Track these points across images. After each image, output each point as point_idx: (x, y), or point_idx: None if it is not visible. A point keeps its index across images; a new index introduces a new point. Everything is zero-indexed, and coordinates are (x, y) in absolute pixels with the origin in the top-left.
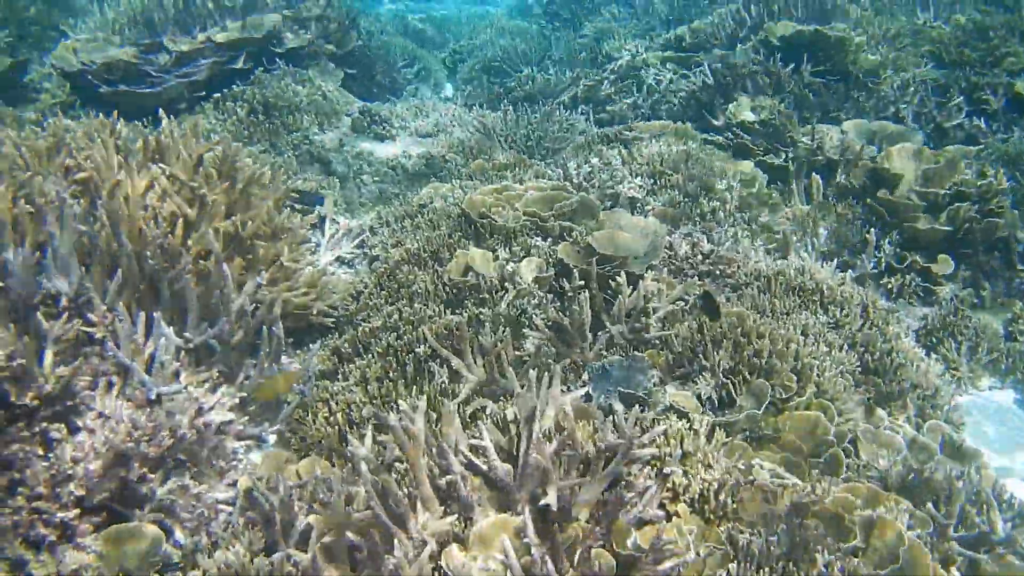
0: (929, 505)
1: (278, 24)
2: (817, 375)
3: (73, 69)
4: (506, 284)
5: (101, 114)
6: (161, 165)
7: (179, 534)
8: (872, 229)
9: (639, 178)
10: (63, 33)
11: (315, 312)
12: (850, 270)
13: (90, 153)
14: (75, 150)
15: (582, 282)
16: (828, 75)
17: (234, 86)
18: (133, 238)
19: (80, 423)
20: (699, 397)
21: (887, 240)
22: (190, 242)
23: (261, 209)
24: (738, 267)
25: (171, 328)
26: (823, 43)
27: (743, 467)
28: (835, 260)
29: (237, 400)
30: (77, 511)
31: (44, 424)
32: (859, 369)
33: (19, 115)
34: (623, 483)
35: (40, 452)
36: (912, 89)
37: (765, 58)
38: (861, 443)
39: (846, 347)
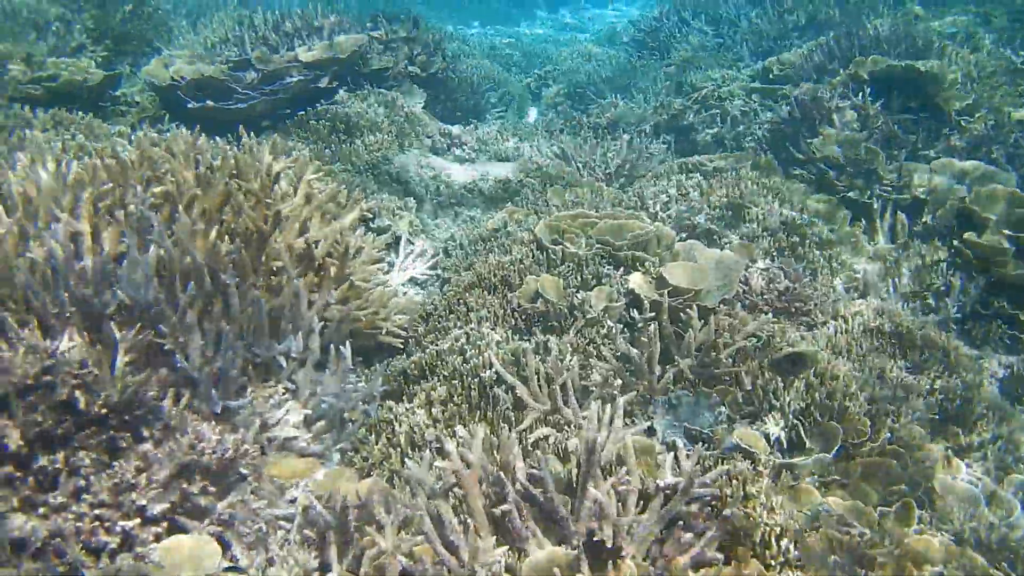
0: (1005, 565)
1: (364, 45)
2: (892, 421)
3: (164, 84)
4: (575, 312)
5: (186, 128)
6: (238, 181)
7: (237, 549)
8: (957, 272)
9: (717, 210)
10: (157, 49)
11: (384, 332)
12: (933, 314)
13: (170, 167)
14: (157, 164)
15: (652, 313)
16: (919, 112)
17: (318, 104)
18: (207, 252)
19: (146, 433)
20: (767, 437)
21: (973, 284)
22: (263, 257)
23: (334, 227)
24: (815, 305)
25: (240, 342)
26: (914, 79)
27: (809, 512)
28: (918, 302)
29: (302, 417)
30: (138, 520)
31: (111, 432)
32: (937, 417)
33: (110, 128)
34: (681, 523)
35: (106, 460)
36: (1007, 129)
37: (853, 92)
38: (936, 494)
39: (924, 393)
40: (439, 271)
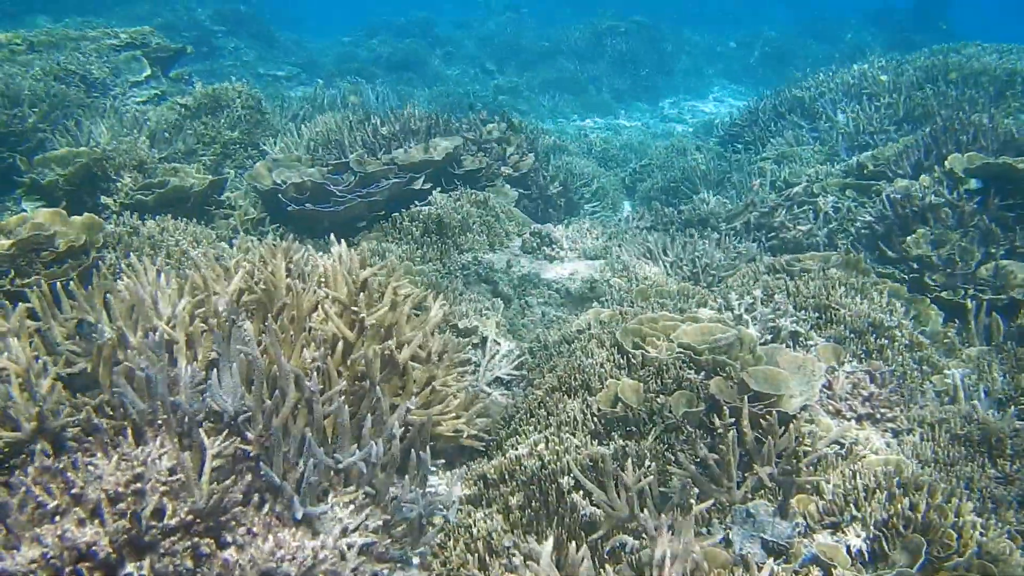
0: None
1: (458, 147)
2: (980, 534)
3: (266, 187)
4: (655, 417)
5: (285, 231)
6: (325, 289)
7: None
8: None
9: (803, 311)
10: (263, 152)
11: (465, 436)
12: None
13: (262, 276)
14: (250, 272)
15: (732, 419)
16: (1018, 209)
17: (412, 205)
18: (294, 359)
19: (229, 539)
20: (848, 549)
21: None
22: (349, 362)
23: (418, 332)
24: (900, 411)
25: (322, 449)
26: (1012, 176)
27: None
28: (1012, 408)
29: (381, 522)
30: None
31: (196, 539)
32: None
33: (212, 232)
34: None
35: (190, 566)
36: None
37: (948, 190)
38: None
39: (1016, 506)
40: (524, 371)
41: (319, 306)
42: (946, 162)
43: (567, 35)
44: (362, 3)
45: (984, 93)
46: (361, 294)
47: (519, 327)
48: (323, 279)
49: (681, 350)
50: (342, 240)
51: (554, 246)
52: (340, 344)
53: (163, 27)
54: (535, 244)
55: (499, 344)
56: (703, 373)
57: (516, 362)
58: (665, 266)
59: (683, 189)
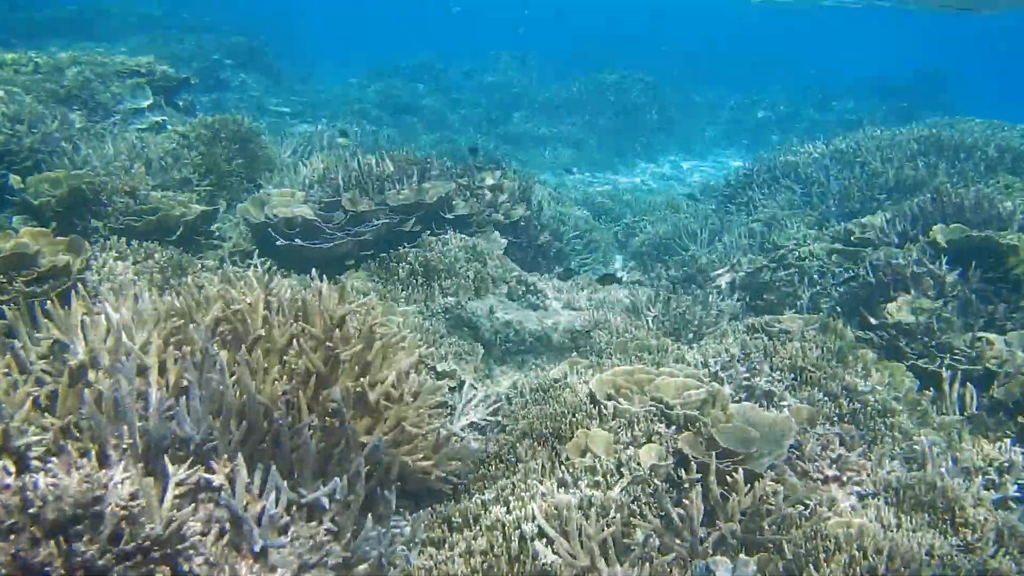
0: None
1: (450, 192)
2: None
3: (257, 221)
4: (622, 469)
5: (273, 265)
6: (302, 324)
7: None
8: (1020, 449)
9: (779, 372)
10: (259, 186)
11: (433, 477)
12: (993, 491)
13: (239, 308)
14: (228, 302)
15: (699, 475)
16: (998, 282)
17: (401, 247)
18: (266, 391)
19: (185, 567)
20: None
21: None
22: (320, 398)
23: (391, 372)
24: (867, 475)
25: (287, 482)
26: (993, 250)
27: None
28: (980, 478)
29: (341, 559)
30: None
31: (152, 566)
32: None
33: (198, 262)
34: None
35: None
36: None
37: (931, 259)
38: None
39: (975, 574)
40: (500, 418)
41: (295, 340)
42: (930, 232)
43: (571, 89)
44: (373, 46)
45: (975, 167)
46: (337, 331)
47: (498, 373)
48: (300, 313)
49: (653, 404)
50: (323, 276)
51: (539, 295)
52: (313, 379)
53: (171, 57)
54: (521, 292)
55: (476, 389)
56: (674, 428)
57: (492, 408)
58: (647, 320)
59: (674, 246)
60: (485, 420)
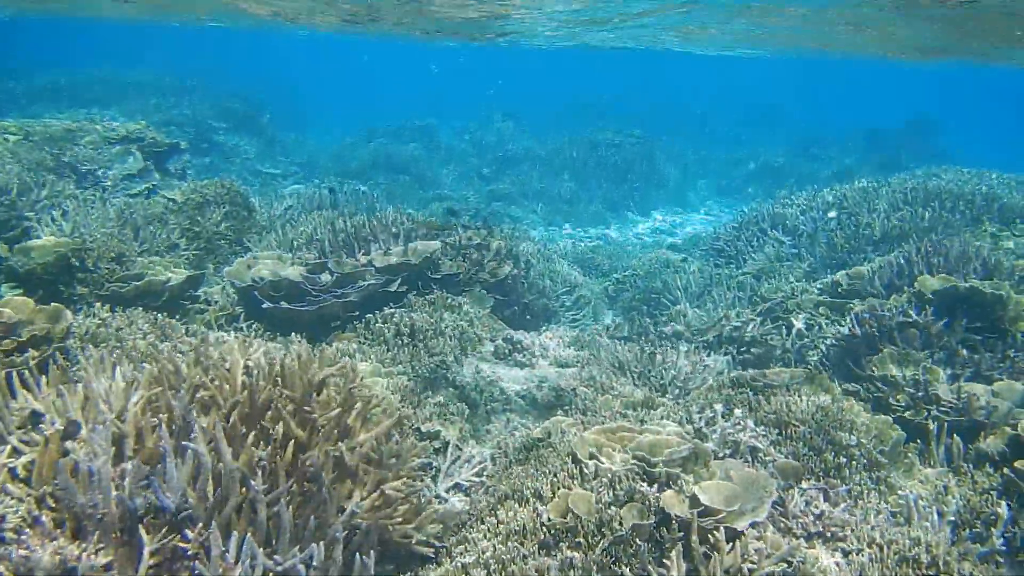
0: None
1: (436, 252)
2: None
3: (243, 284)
4: (603, 529)
5: (259, 329)
6: (280, 388)
7: None
8: (1004, 502)
9: (764, 427)
10: (247, 249)
11: (415, 542)
12: (979, 544)
13: (218, 372)
14: (207, 368)
15: (681, 533)
16: (985, 332)
17: (387, 307)
18: (243, 457)
19: None
20: None
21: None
22: (299, 462)
23: (371, 435)
24: (851, 531)
25: (264, 550)
26: (979, 300)
27: None
28: (967, 531)
29: None
30: None
31: None
32: None
33: (183, 327)
34: None
35: None
36: None
37: (917, 311)
38: None
39: None
40: (484, 479)
41: (273, 404)
42: (916, 283)
43: (563, 145)
44: (368, 107)
45: (961, 217)
46: (315, 395)
47: (483, 433)
48: (278, 378)
49: (636, 462)
50: (312, 338)
51: (525, 353)
52: (291, 444)
53: (164, 122)
54: (507, 351)
55: (460, 450)
56: (656, 486)
57: (477, 468)
58: (633, 377)
59: (663, 300)
60: (469, 481)
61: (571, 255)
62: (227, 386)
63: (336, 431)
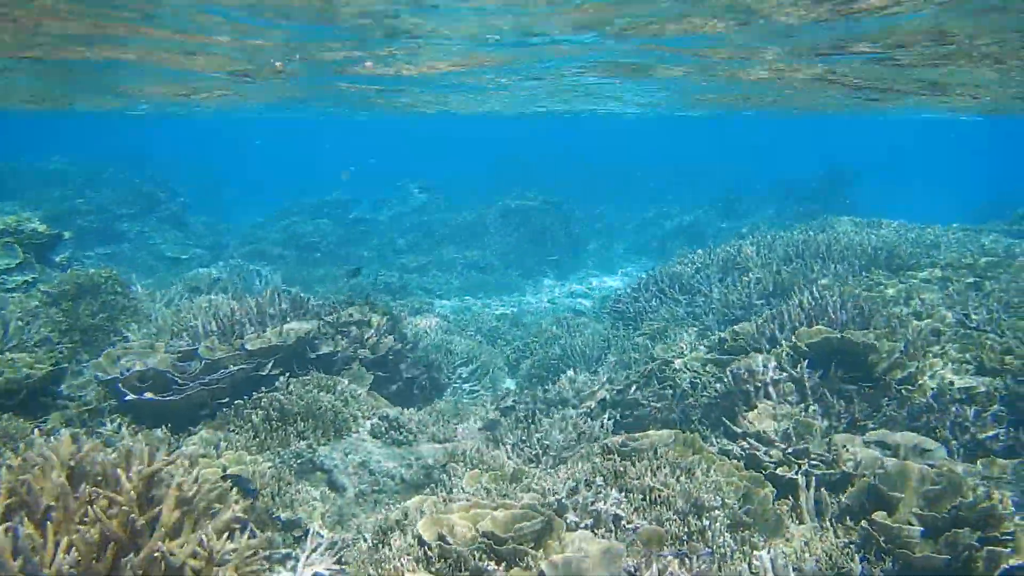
0: None
1: (311, 331)
2: None
3: (108, 377)
4: None
5: (125, 422)
6: (99, 489)
7: None
8: (858, 556)
9: (629, 493)
10: (126, 338)
11: None
12: None
13: (25, 478)
14: (18, 471)
15: None
16: (861, 382)
17: (257, 391)
18: (54, 565)
19: None
20: None
21: (879, 569)
22: (120, 566)
23: (202, 533)
24: None
25: None
26: (852, 350)
27: None
28: None
29: None
30: None
31: None
32: None
33: (34, 426)
34: None
35: None
36: (947, 397)
37: (792, 363)
38: None
39: None
40: (343, 567)
41: (92, 506)
42: (793, 336)
43: (478, 215)
44: (284, 189)
45: (849, 267)
46: (134, 493)
47: (349, 516)
48: (99, 477)
49: (484, 539)
50: (187, 423)
51: (403, 431)
52: (111, 547)
53: (68, 212)
54: (383, 429)
55: (322, 536)
56: (504, 564)
57: (338, 555)
58: (506, 448)
59: (562, 366)
60: (330, 570)
61: (476, 325)
62: (39, 487)
63: (164, 529)
